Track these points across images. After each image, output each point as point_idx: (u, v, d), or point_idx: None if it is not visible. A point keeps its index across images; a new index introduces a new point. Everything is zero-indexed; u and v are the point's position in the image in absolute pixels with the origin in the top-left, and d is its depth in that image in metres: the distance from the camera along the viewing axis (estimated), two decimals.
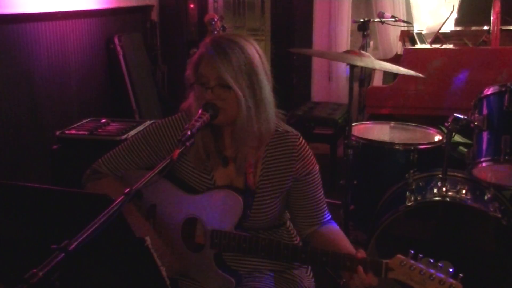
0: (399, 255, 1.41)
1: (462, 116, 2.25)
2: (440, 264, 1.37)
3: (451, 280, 1.34)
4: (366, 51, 3.13)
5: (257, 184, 1.64)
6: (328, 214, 1.73)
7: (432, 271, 1.36)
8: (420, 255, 1.40)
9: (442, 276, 1.35)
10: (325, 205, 1.73)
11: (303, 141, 1.68)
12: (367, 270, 1.43)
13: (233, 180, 1.66)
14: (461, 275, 1.35)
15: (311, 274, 1.79)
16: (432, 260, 1.38)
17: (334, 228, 1.70)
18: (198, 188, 1.68)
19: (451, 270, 1.36)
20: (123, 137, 2.80)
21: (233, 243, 1.57)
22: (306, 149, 1.67)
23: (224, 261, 1.66)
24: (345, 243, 1.60)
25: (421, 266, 1.37)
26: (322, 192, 1.72)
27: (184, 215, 1.65)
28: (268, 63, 1.62)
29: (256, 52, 1.57)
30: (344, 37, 4.93)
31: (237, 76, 1.50)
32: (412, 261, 1.39)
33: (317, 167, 1.69)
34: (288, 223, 1.80)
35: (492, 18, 3.58)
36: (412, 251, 1.41)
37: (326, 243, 1.61)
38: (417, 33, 4.44)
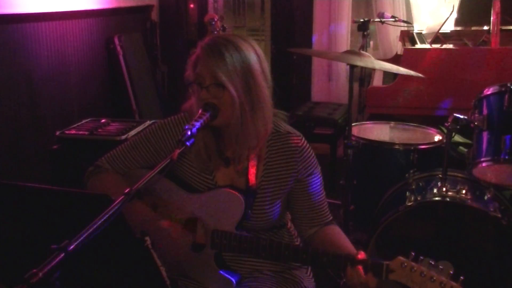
0: (400, 257, 1.40)
1: (462, 116, 2.25)
2: (441, 266, 1.37)
3: (452, 282, 1.34)
4: (366, 51, 3.13)
5: (258, 184, 1.64)
6: (330, 215, 1.72)
7: (433, 273, 1.36)
8: (421, 257, 1.40)
9: (443, 278, 1.34)
10: (326, 207, 1.72)
11: (306, 142, 1.68)
12: (366, 271, 1.43)
13: (234, 180, 1.66)
14: (462, 277, 1.35)
15: (311, 274, 1.79)
16: (432, 262, 1.38)
17: (336, 230, 1.69)
18: (199, 188, 1.68)
19: (451, 272, 1.36)
20: (123, 137, 2.80)
21: (233, 243, 1.57)
22: (308, 150, 1.67)
23: (224, 261, 1.66)
24: (347, 244, 1.59)
25: (422, 268, 1.37)
26: (324, 193, 1.72)
27: (185, 215, 1.65)
28: (268, 64, 1.61)
29: (254, 52, 1.56)
30: (344, 37, 4.94)
31: (231, 75, 1.50)
32: (413, 263, 1.38)
33: (319, 169, 1.69)
34: (289, 224, 1.80)
35: (492, 18, 3.58)
36: (413, 253, 1.40)
37: (327, 244, 1.60)
38: (417, 33, 4.44)
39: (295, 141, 1.66)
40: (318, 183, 1.69)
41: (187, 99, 1.67)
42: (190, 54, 1.59)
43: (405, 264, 1.39)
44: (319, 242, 1.65)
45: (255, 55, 1.57)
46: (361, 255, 1.46)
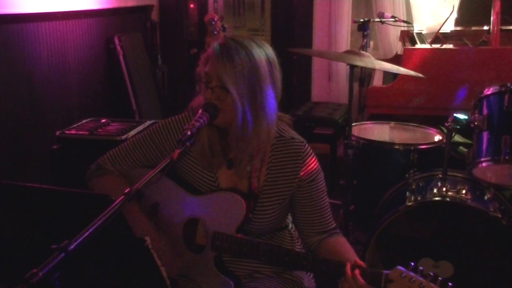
0: (399, 267, 1.40)
1: (462, 116, 2.25)
2: (440, 278, 1.36)
3: None
4: (366, 51, 3.13)
5: (260, 188, 1.64)
6: (333, 222, 1.71)
7: (432, 284, 1.35)
8: (420, 268, 1.39)
9: None
10: (329, 213, 1.70)
11: (309, 148, 1.67)
12: (364, 279, 1.42)
13: (236, 183, 1.66)
14: None
15: (312, 275, 1.79)
16: (432, 273, 1.37)
17: (341, 240, 1.67)
18: (201, 189, 1.67)
19: (450, 284, 1.35)
20: (123, 137, 2.80)
21: (234, 247, 1.57)
22: (311, 156, 1.66)
23: (223, 263, 1.65)
24: (351, 255, 1.58)
25: (421, 279, 1.36)
26: (327, 199, 1.70)
27: (186, 216, 1.65)
28: (280, 71, 1.59)
29: (266, 59, 1.54)
30: (344, 37, 4.93)
31: (237, 80, 1.49)
32: (412, 273, 1.37)
33: (321, 174, 1.68)
34: (290, 225, 1.79)
35: (492, 18, 3.58)
36: (413, 263, 1.40)
37: (332, 255, 1.58)
38: (417, 33, 4.44)
39: (298, 146, 1.65)
40: (321, 189, 1.67)
41: (194, 95, 1.67)
42: (191, 54, 1.59)
43: (404, 274, 1.38)
44: (323, 251, 1.63)
45: (267, 62, 1.54)
46: (361, 263, 1.46)
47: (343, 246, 1.64)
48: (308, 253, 1.65)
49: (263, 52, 1.54)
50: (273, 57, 1.57)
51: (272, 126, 1.59)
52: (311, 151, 1.67)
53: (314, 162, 1.66)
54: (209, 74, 1.52)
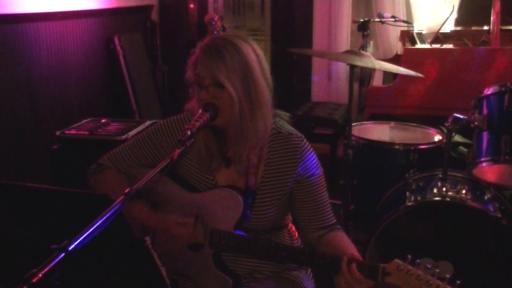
0: (396, 260, 1.39)
1: (462, 116, 2.25)
2: (437, 270, 1.36)
3: (448, 286, 1.33)
4: (366, 51, 3.13)
5: (258, 184, 1.64)
6: (333, 217, 1.70)
7: (429, 277, 1.35)
8: (418, 260, 1.39)
9: (439, 282, 1.34)
10: (329, 208, 1.70)
11: (307, 143, 1.67)
12: (361, 272, 1.42)
13: (235, 181, 1.66)
14: (458, 282, 1.34)
15: (311, 275, 1.79)
16: (429, 266, 1.37)
17: (341, 235, 1.67)
18: (199, 188, 1.68)
19: (448, 276, 1.35)
20: (123, 137, 2.80)
21: (232, 243, 1.57)
22: (310, 151, 1.66)
23: (222, 261, 1.66)
24: (350, 250, 1.57)
25: (419, 271, 1.36)
26: (326, 195, 1.69)
27: (185, 213, 1.65)
28: (267, 63, 1.61)
29: (253, 52, 1.56)
30: (344, 37, 4.93)
31: (230, 75, 1.50)
32: (410, 266, 1.37)
33: (320, 170, 1.68)
34: (290, 225, 1.79)
35: (492, 18, 3.58)
36: (410, 256, 1.39)
37: (331, 249, 1.58)
38: (417, 33, 4.44)
39: (296, 141, 1.65)
40: (320, 184, 1.67)
41: (188, 99, 1.67)
42: (190, 54, 1.59)
43: (402, 267, 1.38)
44: (323, 247, 1.63)
45: (255, 55, 1.56)
46: (358, 256, 1.46)
47: (343, 241, 1.64)
48: (305, 248, 1.65)
49: (249, 45, 1.57)
50: (259, 50, 1.60)
51: (268, 118, 1.60)
52: (309, 146, 1.67)
53: (313, 157, 1.66)
54: (201, 75, 1.53)
